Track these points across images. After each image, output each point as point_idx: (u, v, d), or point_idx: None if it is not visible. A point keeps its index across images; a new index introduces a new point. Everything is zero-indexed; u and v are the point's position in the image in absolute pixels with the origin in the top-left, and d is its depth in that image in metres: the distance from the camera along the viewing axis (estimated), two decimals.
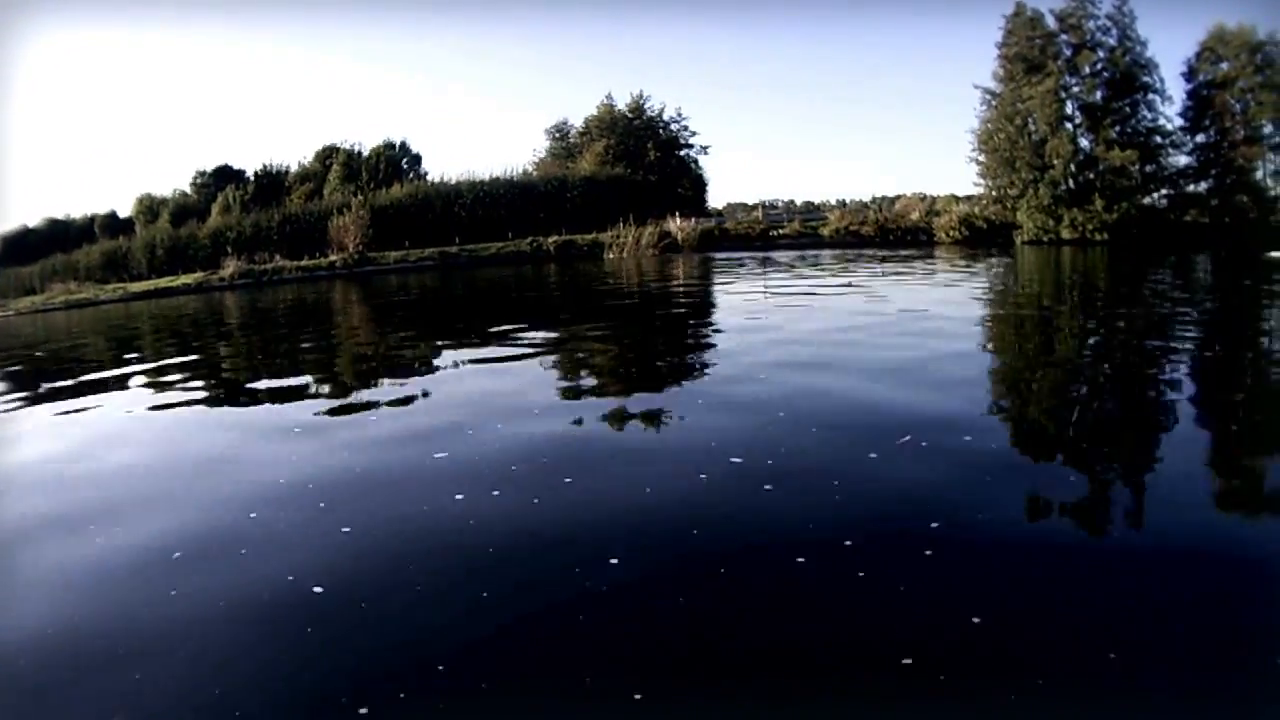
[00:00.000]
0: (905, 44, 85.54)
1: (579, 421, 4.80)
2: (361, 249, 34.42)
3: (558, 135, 45.93)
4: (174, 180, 62.39)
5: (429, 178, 41.83)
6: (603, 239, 35.55)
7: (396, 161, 42.42)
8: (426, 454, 4.22)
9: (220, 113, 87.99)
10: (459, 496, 3.48)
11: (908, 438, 3.93)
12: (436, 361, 8.22)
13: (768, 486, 3.38)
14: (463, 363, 7.74)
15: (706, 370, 6.59)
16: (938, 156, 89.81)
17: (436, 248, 34.41)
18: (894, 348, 6.90)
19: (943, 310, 9.71)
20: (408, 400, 6.04)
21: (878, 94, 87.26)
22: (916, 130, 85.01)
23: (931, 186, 52.99)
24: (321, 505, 3.53)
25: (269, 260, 34.57)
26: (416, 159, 43.93)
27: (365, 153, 42.90)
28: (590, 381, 6.49)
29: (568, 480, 3.66)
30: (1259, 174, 38.45)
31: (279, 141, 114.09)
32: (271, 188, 42.39)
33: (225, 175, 45.09)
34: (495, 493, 3.50)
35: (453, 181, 39.72)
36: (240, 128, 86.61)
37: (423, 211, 37.13)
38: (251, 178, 44.09)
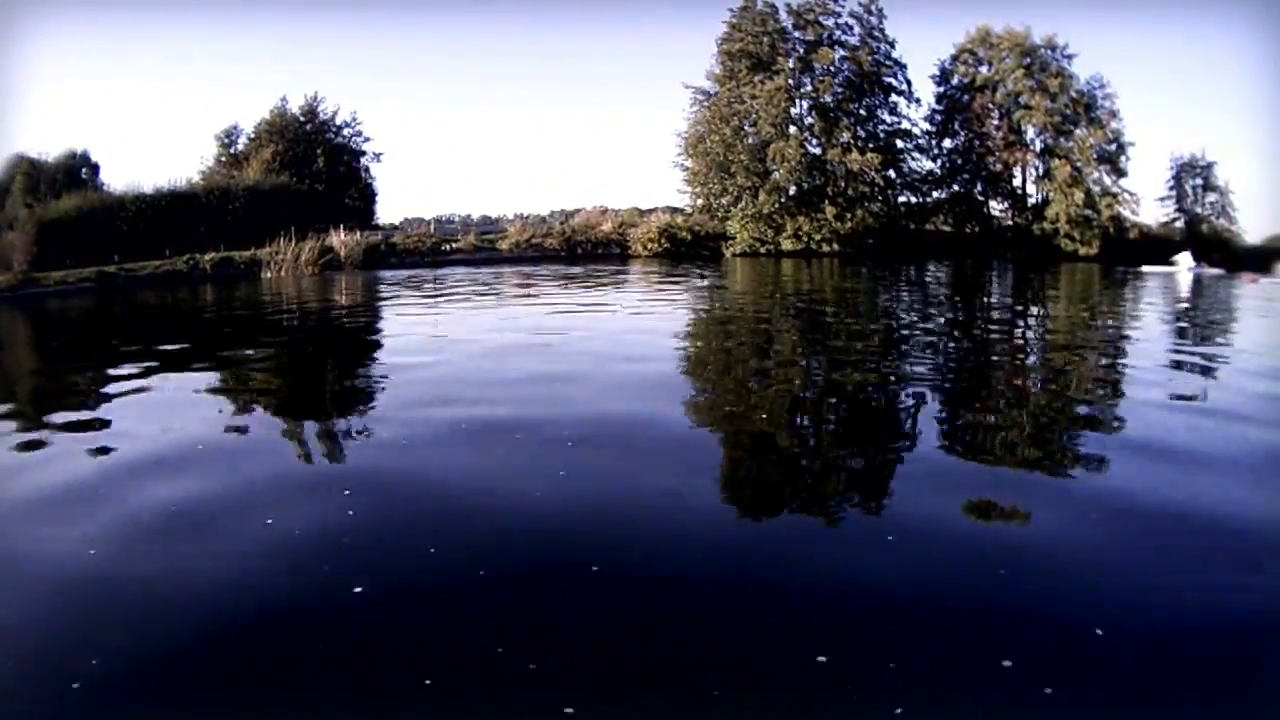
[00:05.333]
0: (574, 58, 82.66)
1: None
2: (26, 269, 33.96)
3: (226, 141, 44.53)
4: None
5: (106, 188, 41.09)
6: (261, 255, 34.31)
7: (76, 171, 42.18)
8: None
9: None
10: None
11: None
12: None
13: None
14: None
15: None
16: (618, 171, 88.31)
17: (97, 267, 34.69)
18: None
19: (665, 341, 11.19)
20: None
21: (557, 104, 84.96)
22: (596, 145, 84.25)
23: (611, 200, 53.82)
24: None
25: None
26: (96, 168, 43.35)
27: (51, 161, 42.36)
28: None
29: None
30: (1018, 180, 36.97)
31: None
32: None
33: None
34: None
35: (117, 192, 38.61)
36: None
37: (88, 226, 36.72)
38: None
